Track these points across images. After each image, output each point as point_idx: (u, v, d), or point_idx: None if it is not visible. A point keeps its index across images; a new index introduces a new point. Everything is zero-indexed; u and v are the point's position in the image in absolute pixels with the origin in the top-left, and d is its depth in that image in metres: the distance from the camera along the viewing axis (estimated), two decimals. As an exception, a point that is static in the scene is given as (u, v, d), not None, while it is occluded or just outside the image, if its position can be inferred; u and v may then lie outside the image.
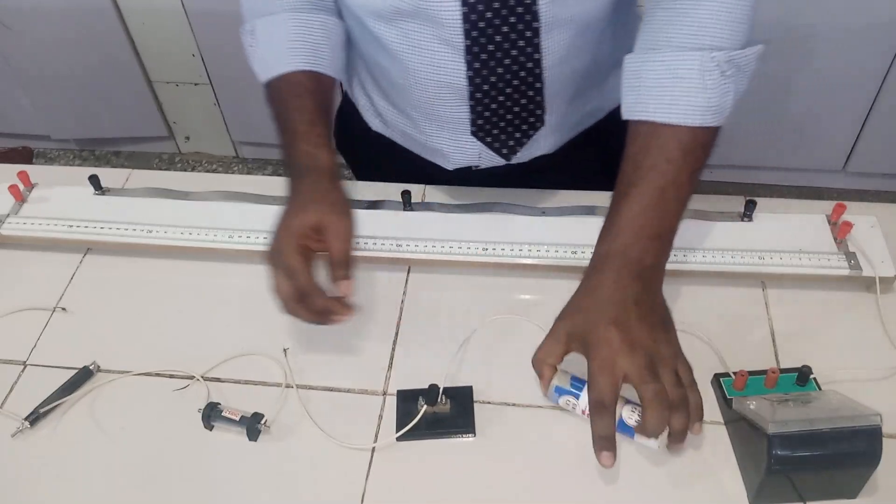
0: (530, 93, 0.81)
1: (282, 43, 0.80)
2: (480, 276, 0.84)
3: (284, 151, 0.78)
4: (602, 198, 0.89)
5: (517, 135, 0.86)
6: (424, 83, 0.81)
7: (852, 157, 2.08)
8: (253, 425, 0.71)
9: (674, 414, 0.63)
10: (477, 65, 0.77)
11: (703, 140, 0.70)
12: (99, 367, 0.78)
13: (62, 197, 0.93)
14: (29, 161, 2.48)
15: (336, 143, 1.06)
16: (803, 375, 0.70)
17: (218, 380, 0.77)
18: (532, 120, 0.85)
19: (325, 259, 0.72)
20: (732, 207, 0.88)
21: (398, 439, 0.71)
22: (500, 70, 0.78)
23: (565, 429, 0.71)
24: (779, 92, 1.94)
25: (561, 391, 0.69)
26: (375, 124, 0.98)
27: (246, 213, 0.89)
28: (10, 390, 0.77)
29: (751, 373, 0.71)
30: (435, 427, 0.71)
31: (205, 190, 0.93)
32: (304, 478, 0.69)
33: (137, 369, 0.78)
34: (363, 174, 1.07)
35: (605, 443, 0.62)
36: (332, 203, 0.73)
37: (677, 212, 0.70)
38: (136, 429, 0.73)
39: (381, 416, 0.73)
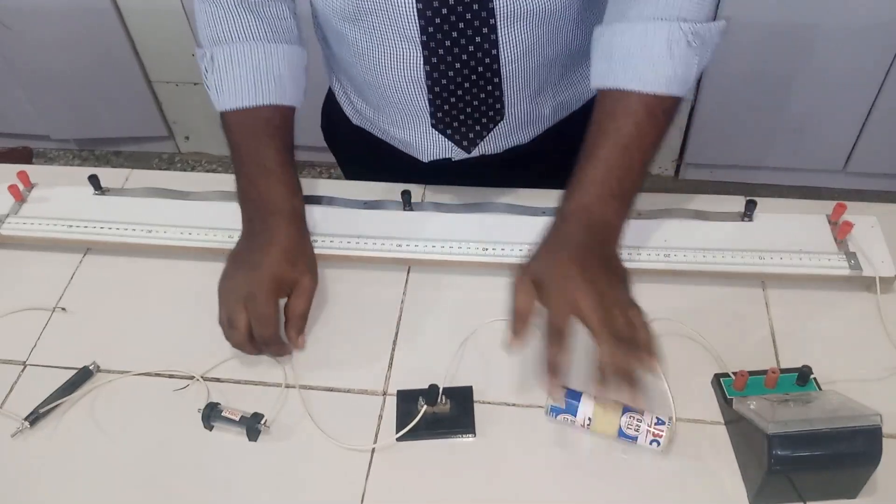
0: (489, 87, 0.83)
1: (245, 75, 0.80)
2: (480, 276, 0.84)
3: (253, 188, 0.79)
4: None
5: (477, 128, 0.87)
6: (387, 77, 0.83)
7: (852, 157, 2.08)
8: (253, 425, 0.70)
9: (621, 349, 0.63)
10: (434, 59, 0.79)
11: (667, 107, 0.73)
12: (99, 367, 0.78)
13: (62, 197, 0.93)
14: (29, 161, 2.48)
15: (324, 138, 1.07)
16: (803, 375, 0.70)
17: (218, 380, 0.77)
18: (491, 114, 0.86)
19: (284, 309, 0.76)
20: (732, 207, 0.88)
21: (398, 439, 0.71)
22: (457, 65, 0.79)
23: (565, 429, 0.71)
24: (779, 92, 1.94)
25: (557, 410, 0.70)
26: (355, 118, 0.99)
27: (246, 213, 0.89)
28: (10, 390, 0.77)
29: (751, 373, 0.71)
30: (435, 427, 0.71)
31: (205, 190, 0.93)
32: (304, 478, 0.69)
33: (137, 369, 0.78)
34: (349, 169, 1.09)
35: (555, 369, 0.64)
36: (307, 260, 0.79)
37: (640, 173, 0.72)
38: (136, 429, 0.73)
39: (381, 417, 0.73)
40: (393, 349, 0.78)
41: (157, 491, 0.69)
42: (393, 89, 0.84)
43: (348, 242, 0.85)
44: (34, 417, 0.73)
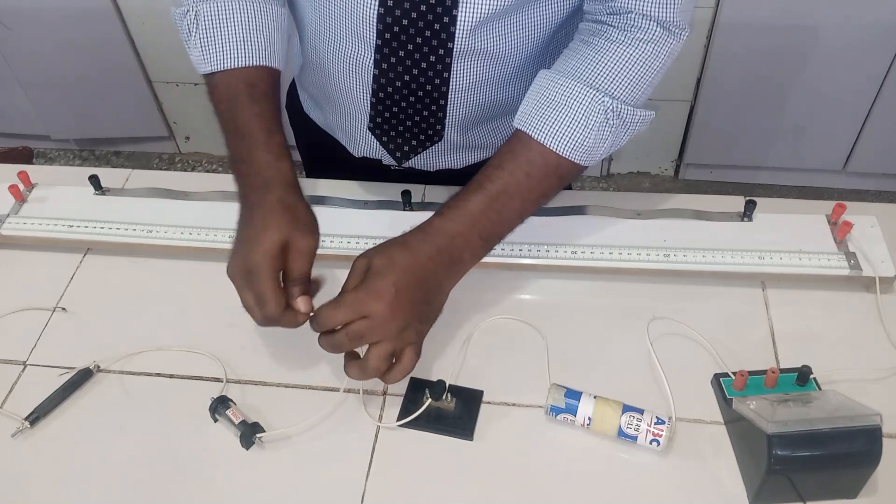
0: (433, 107, 0.83)
1: (234, 34, 0.75)
2: (480, 276, 0.84)
3: (239, 158, 0.74)
4: (600, 197, 0.90)
5: (413, 142, 0.88)
6: (336, 67, 0.83)
7: (852, 157, 2.08)
8: (249, 434, 0.70)
9: (353, 365, 0.67)
10: (385, 65, 0.79)
11: (565, 171, 0.74)
12: (99, 367, 0.78)
13: (62, 197, 0.93)
14: (29, 161, 2.48)
15: (289, 116, 1.06)
16: (803, 375, 0.70)
17: (217, 380, 0.77)
18: (430, 133, 0.86)
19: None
20: (732, 207, 0.88)
21: (399, 424, 0.71)
22: (406, 77, 0.80)
23: (565, 429, 0.71)
24: (778, 92, 1.94)
25: (557, 410, 0.70)
26: (307, 102, 0.99)
27: (246, 213, 0.89)
28: (10, 390, 0.77)
29: (751, 373, 0.71)
30: (436, 422, 0.72)
31: (205, 190, 0.93)
32: (303, 480, 0.69)
33: (137, 369, 0.78)
34: (306, 161, 1.10)
35: (310, 319, 0.67)
36: (299, 219, 0.71)
37: (513, 224, 0.73)
38: (136, 429, 0.73)
39: (381, 417, 0.73)
40: (393, 349, 0.78)
41: (156, 491, 0.69)
42: (339, 81, 0.84)
43: (348, 242, 0.84)
44: (34, 417, 0.73)
